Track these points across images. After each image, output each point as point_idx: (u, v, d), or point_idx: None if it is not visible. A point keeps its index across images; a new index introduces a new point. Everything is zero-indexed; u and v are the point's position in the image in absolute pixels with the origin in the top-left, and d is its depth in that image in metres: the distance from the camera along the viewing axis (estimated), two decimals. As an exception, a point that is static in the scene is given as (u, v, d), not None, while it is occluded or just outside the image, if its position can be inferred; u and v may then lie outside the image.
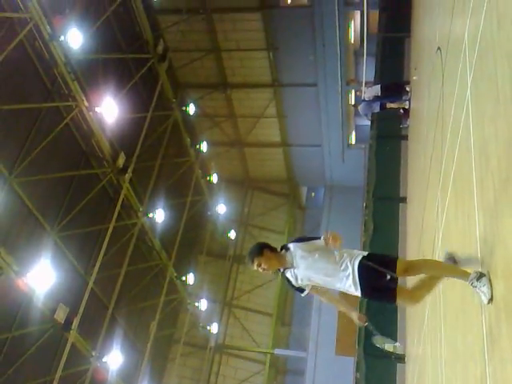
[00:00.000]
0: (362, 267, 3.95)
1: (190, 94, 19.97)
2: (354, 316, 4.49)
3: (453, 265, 4.08)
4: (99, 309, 14.86)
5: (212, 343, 20.50)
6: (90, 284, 12.94)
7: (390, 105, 12.67)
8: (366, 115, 13.62)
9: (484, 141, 3.82)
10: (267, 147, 22.83)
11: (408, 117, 12.51)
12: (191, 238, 20.82)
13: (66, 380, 12.73)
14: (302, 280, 4.20)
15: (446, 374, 5.18)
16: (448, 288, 5.34)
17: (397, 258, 4.05)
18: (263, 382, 20.63)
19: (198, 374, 20.51)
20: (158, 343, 17.87)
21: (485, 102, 3.90)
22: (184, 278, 18.07)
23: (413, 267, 4.06)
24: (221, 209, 20.43)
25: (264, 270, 4.22)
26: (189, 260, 20.87)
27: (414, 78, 11.92)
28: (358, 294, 4.02)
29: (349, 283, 3.99)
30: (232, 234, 21.91)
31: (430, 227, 6.48)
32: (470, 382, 3.92)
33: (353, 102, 19.45)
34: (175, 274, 17.56)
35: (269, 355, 20.95)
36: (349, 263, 3.99)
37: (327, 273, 4.05)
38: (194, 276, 18.60)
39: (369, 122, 15.14)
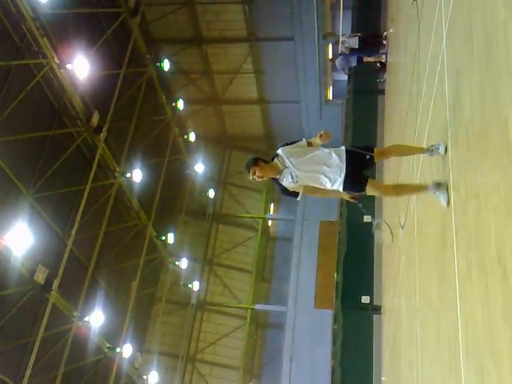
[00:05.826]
0: (347, 151, 4.61)
1: (165, 50, 19.46)
2: (346, 197, 4.87)
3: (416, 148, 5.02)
4: (79, 270, 14.81)
5: (193, 300, 20.74)
6: (69, 245, 12.86)
7: (366, 59, 12.57)
8: (343, 69, 13.53)
9: (458, 93, 3.81)
10: (244, 104, 22.55)
11: (385, 71, 12.44)
12: (170, 197, 20.73)
13: (49, 340, 12.80)
14: (297, 177, 4.62)
15: (421, 325, 5.32)
16: (423, 235, 5.43)
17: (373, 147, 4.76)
18: (244, 336, 21.02)
19: (181, 331, 20.81)
20: (139, 302, 17.99)
21: (459, 54, 3.88)
22: (164, 238, 18.10)
23: (386, 151, 5.26)
24: (199, 168, 20.29)
25: (260, 177, 4.70)
26: (168, 220, 20.83)
27: (391, 30, 11.79)
28: (340, 182, 4.54)
29: (335, 170, 4.53)
30: (211, 193, 21.88)
31: (407, 180, 6.52)
32: (442, 332, 4.03)
33: (330, 57, 19.22)
34: (155, 234, 17.55)
35: (249, 310, 21.27)
36: (335, 152, 4.60)
37: (319, 160, 4.58)
38: (174, 235, 18.62)
39: (346, 77, 15.04)
